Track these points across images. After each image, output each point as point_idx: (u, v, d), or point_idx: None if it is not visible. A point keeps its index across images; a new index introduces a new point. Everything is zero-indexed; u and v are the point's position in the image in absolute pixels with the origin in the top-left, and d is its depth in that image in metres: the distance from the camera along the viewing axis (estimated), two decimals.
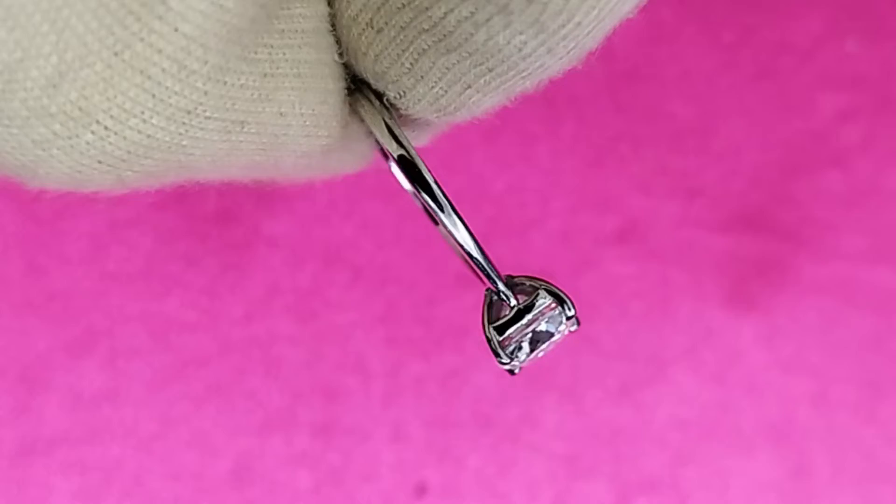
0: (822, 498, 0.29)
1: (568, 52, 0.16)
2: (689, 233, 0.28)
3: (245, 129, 0.15)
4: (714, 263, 0.28)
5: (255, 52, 0.15)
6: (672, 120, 0.27)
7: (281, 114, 0.16)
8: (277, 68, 0.15)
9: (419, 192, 0.16)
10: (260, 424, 0.27)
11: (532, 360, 0.18)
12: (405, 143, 0.17)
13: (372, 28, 0.16)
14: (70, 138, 0.13)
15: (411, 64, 0.17)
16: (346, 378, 0.27)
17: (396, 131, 0.17)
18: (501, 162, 0.27)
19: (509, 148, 0.27)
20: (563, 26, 0.15)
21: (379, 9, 0.16)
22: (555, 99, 0.27)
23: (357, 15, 0.16)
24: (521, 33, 0.16)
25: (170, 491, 0.26)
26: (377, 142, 0.17)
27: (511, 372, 0.18)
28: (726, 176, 0.28)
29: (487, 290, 0.18)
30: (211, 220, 0.26)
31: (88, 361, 0.26)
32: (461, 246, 0.17)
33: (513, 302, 0.17)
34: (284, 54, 0.16)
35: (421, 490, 0.28)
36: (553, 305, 0.17)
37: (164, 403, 0.26)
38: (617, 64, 0.27)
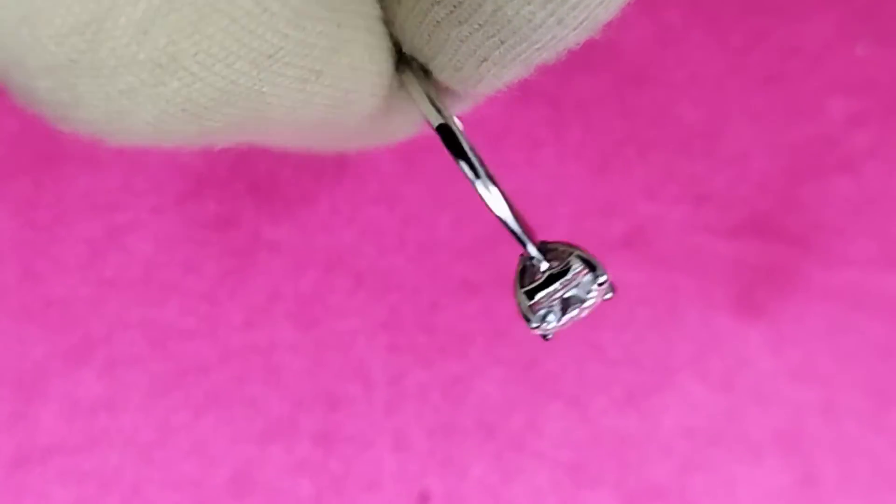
0: None
1: (580, 23, 0.16)
2: (696, 238, 0.28)
3: (320, 80, 0.15)
4: (721, 269, 0.28)
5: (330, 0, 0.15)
6: (680, 124, 0.27)
7: (353, 68, 0.16)
8: (350, 20, 0.16)
9: (457, 159, 0.17)
10: (260, 432, 0.26)
11: (563, 325, 0.18)
12: (442, 111, 0.17)
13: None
14: (157, 86, 0.13)
15: (429, 35, 0.17)
16: (348, 385, 0.27)
17: (434, 98, 0.17)
18: (507, 166, 0.27)
19: (515, 152, 0.27)
20: None
21: None
22: (561, 103, 0.27)
23: None
24: (528, 3, 0.16)
25: (169, 500, 0.26)
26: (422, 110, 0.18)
27: (544, 337, 0.18)
28: (734, 181, 0.28)
29: (521, 255, 0.18)
30: (211, 226, 0.26)
31: (86, 369, 0.26)
32: (495, 212, 0.17)
33: (544, 266, 0.18)
34: (356, 7, 0.16)
35: (423, 499, 0.27)
36: (585, 271, 0.18)
37: (163, 411, 0.26)
38: (624, 67, 0.27)
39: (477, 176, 0.17)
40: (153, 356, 0.26)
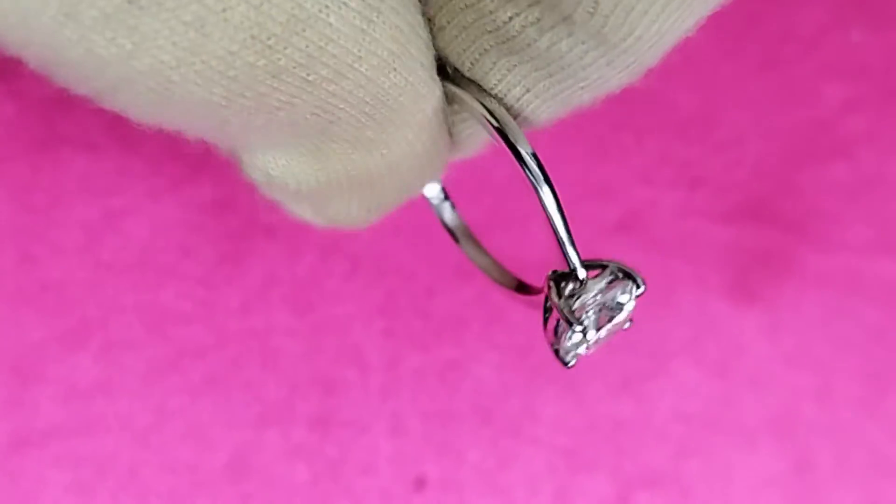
0: (825, 492, 0.28)
1: (627, 67, 0.17)
2: (691, 223, 0.28)
3: (378, 26, 0.15)
4: (717, 254, 0.28)
5: None
6: (675, 109, 0.27)
7: (402, 30, 0.16)
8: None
9: (519, 162, 0.18)
10: (257, 417, 0.27)
11: (599, 341, 0.18)
12: (498, 113, 0.17)
13: (434, 24, 0.17)
14: (225, 10, 0.13)
15: (472, 63, 0.17)
16: (344, 370, 0.27)
17: (486, 102, 0.17)
18: (502, 151, 0.27)
19: None
20: (624, 39, 0.16)
21: (441, 7, 0.17)
22: None
23: (423, 10, 0.17)
24: (583, 43, 0.16)
25: (165, 484, 0.26)
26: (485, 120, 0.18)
27: (569, 361, 0.18)
28: (729, 166, 0.28)
29: (551, 273, 0.18)
30: (207, 210, 0.26)
31: (82, 353, 0.26)
32: (550, 214, 0.18)
33: (582, 274, 0.18)
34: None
35: (420, 483, 0.27)
36: (624, 281, 0.18)
37: (159, 395, 0.26)
38: None
39: (537, 178, 0.18)
40: (150, 340, 0.26)
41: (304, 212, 0.20)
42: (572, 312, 0.18)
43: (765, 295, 0.28)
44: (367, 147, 0.17)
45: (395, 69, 0.16)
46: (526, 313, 0.28)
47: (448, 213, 0.23)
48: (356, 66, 0.15)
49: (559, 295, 0.18)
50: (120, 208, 0.26)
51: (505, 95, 0.17)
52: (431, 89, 0.17)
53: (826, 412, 0.28)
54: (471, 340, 0.27)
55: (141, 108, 0.15)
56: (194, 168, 0.26)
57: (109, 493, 0.26)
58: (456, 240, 0.23)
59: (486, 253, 0.22)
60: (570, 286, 0.18)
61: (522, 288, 0.21)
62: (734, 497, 0.28)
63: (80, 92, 0.15)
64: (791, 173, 0.28)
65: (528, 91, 0.17)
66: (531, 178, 0.18)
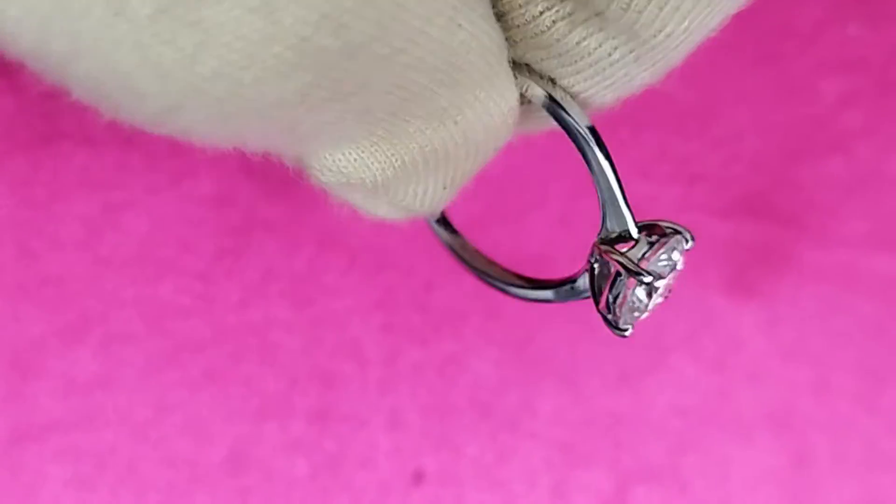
0: (823, 486, 0.28)
1: (654, 65, 0.17)
2: (689, 218, 0.28)
3: None
4: (714, 249, 0.28)
5: None
6: (672, 104, 0.27)
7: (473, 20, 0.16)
8: None
9: (575, 134, 0.18)
10: (255, 411, 0.27)
11: (661, 296, 0.19)
12: (552, 91, 0.18)
13: None
14: None
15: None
16: (343, 364, 0.27)
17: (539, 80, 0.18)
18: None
19: None
20: (655, 36, 0.16)
21: None
22: None
23: None
24: (613, 38, 0.16)
25: (164, 478, 0.26)
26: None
27: (642, 305, 0.19)
28: (727, 161, 0.28)
29: (601, 238, 0.19)
30: (206, 204, 0.26)
31: (82, 347, 0.26)
32: (610, 181, 0.18)
33: (635, 233, 0.19)
34: None
35: (418, 477, 0.27)
36: (672, 237, 0.19)
37: (158, 389, 0.26)
38: None
39: (594, 151, 0.18)
40: (149, 334, 0.26)
41: (379, 208, 0.20)
42: (639, 266, 0.18)
43: (762, 290, 0.28)
44: (441, 118, 0.17)
45: (460, 25, 0.15)
46: (524, 309, 0.28)
47: (444, 234, 0.23)
48: (426, 28, 0.14)
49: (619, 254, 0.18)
50: (119, 203, 0.26)
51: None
52: (493, 38, 0.16)
53: (824, 406, 0.28)
54: (469, 335, 0.27)
55: (206, 125, 0.13)
56: (193, 163, 0.26)
57: (109, 488, 0.26)
58: (455, 254, 0.23)
59: (488, 260, 0.23)
60: (624, 248, 0.19)
61: (534, 281, 0.21)
62: (732, 491, 0.28)
63: (133, 121, 0.13)
64: (789, 168, 0.28)
65: (552, 82, 0.17)
66: (590, 152, 0.18)
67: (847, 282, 0.28)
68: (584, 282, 0.20)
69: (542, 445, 0.28)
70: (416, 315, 0.27)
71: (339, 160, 0.17)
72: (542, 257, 0.28)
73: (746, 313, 0.28)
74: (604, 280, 0.19)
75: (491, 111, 0.18)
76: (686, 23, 0.16)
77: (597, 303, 0.19)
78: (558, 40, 0.16)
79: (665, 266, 0.19)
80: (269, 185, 0.26)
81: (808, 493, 0.28)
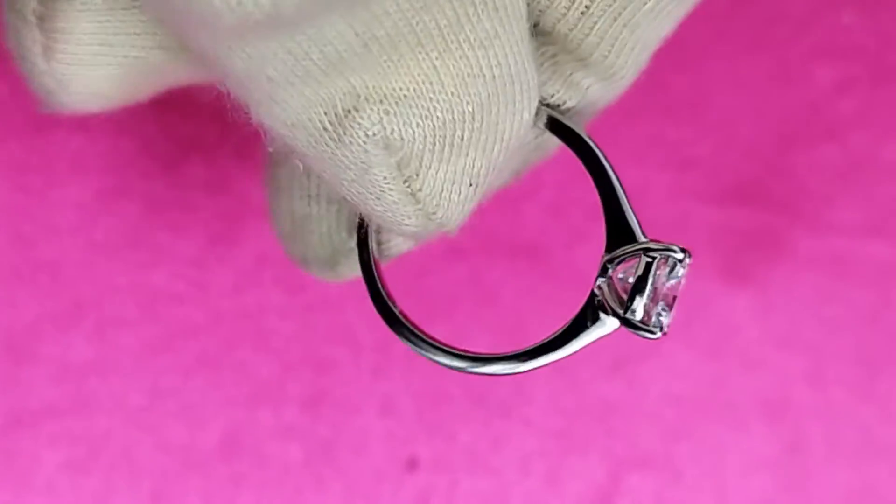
0: (816, 474, 0.28)
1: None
2: (682, 205, 0.28)
3: None
4: (708, 237, 0.28)
5: None
6: (665, 91, 0.27)
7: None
8: None
9: (581, 151, 0.19)
10: (249, 397, 0.27)
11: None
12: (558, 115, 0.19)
13: None
14: None
15: None
16: (336, 350, 0.27)
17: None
18: None
19: None
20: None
21: None
22: None
23: None
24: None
25: (158, 463, 0.26)
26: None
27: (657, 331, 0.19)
28: (720, 148, 0.28)
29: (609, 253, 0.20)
30: (200, 190, 0.26)
31: (76, 333, 0.26)
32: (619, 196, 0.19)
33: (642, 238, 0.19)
34: None
35: (411, 464, 0.27)
36: (678, 255, 0.19)
37: (152, 375, 0.26)
38: None
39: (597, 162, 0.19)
40: (143, 320, 0.26)
41: (404, 218, 0.19)
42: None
43: (756, 277, 0.28)
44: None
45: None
46: (517, 295, 0.28)
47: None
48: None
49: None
50: (113, 188, 0.26)
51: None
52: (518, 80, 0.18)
53: (817, 394, 0.28)
54: (461, 320, 0.27)
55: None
56: (186, 149, 0.26)
57: (103, 472, 0.26)
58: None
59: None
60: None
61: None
62: (726, 478, 0.28)
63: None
64: (782, 155, 0.28)
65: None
66: (594, 160, 0.19)
67: (841, 269, 0.28)
68: (595, 312, 0.20)
69: (536, 433, 0.28)
70: (409, 301, 0.27)
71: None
72: (536, 245, 0.28)
73: (740, 300, 0.28)
74: (621, 291, 0.19)
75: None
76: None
77: (625, 313, 0.19)
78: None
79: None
80: (261, 170, 0.26)
81: (801, 480, 0.28)
